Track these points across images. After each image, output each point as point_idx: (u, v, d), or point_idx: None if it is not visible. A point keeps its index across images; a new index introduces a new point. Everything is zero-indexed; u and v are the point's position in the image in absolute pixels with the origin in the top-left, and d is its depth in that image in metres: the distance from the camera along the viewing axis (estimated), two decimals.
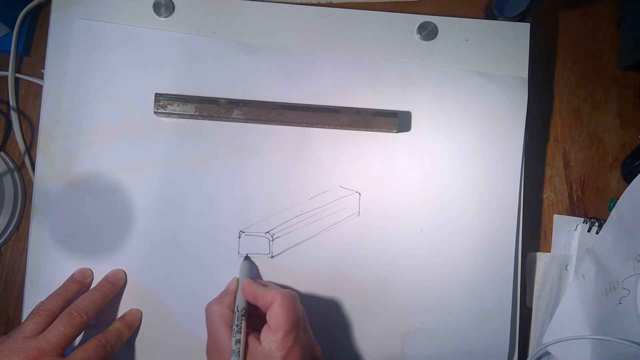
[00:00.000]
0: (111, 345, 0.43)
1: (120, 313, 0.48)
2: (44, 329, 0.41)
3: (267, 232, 0.49)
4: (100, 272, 0.48)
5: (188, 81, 0.50)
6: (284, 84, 0.50)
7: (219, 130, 0.49)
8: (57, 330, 0.41)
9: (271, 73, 0.50)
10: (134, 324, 0.47)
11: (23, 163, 0.52)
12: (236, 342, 0.40)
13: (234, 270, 0.48)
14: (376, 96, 0.51)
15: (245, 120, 0.49)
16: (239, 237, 0.49)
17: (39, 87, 0.52)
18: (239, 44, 0.51)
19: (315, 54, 0.51)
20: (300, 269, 0.49)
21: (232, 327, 0.41)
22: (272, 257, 0.49)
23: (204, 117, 0.48)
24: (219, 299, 0.44)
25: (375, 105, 0.50)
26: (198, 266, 0.48)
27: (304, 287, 0.49)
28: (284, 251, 0.49)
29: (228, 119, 0.48)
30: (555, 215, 0.54)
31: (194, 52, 0.50)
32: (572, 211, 0.54)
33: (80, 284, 0.46)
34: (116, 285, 0.47)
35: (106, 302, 0.46)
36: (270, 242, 0.49)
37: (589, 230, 0.52)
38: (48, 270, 0.48)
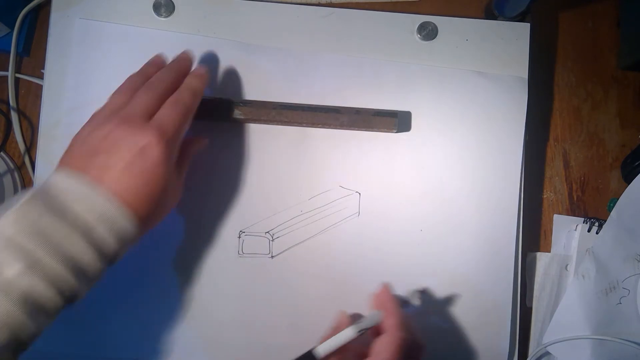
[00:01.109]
0: (189, 96, 0.42)
1: (119, 313, 0.48)
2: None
3: (267, 232, 0.49)
4: None
5: None
6: (284, 83, 0.50)
7: (219, 130, 0.49)
8: (140, 99, 0.40)
9: (271, 73, 0.50)
10: (202, 72, 0.45)
11: (23, 163, 0.52)
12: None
13: (234, 270, 0.48)
14: (376, 96, 0.51)
15: (245, 121, 0.49)
16: (239, 237, 0.49)
17: (39, 87, 0.52)
18: (239, 43, 0.51)
19: (315, 54, 0.51)
20: (300, 268, 0.49)
21: None
22: (272, 257, 0.49)
23: (204, 118, 0.48)
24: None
25: (375, 105, 0.50)
26: (198, 266, 0.48)
27: (304, 286, 0.49)
28: (284, 251, 0.49)
29: (228, 119, 0.48)
30: (555, 215, 0.54)
31: (194, 52, 0.50)
32: (572, 211, 0.54)
33: (157, 67, 0.45)
34: (188, 62, 0.46)
35: (182, 76, 0.44)
36: (270, 242, 0.49)
37: (589, 230, 0.52)
38: None
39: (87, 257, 0.34)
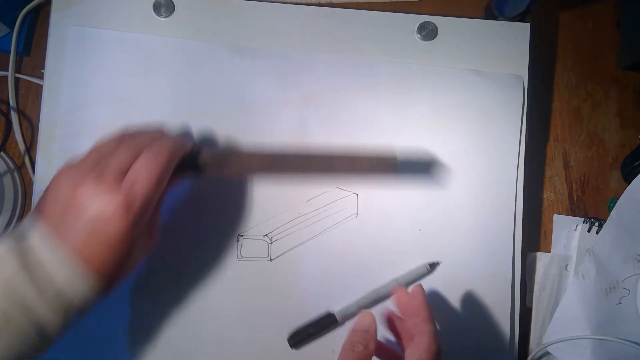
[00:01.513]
0: (166, 153, 0.39)
1: (117, 318, 0.48)
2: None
3: (266, 235, 0.49)
4: None
5: (185, 85, 0.50)
6: (280, 86, 0.50)
7: (218, 132, 0.49)
8: (118, 156, 0.38)
9: (267, 76, 0.50)
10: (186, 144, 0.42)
11: (23, 163, 0.52)
12: None
13: (233, 274, 0.48)
14: (374, 96, 0.51)
15: (231, 179, 0.48)
16: (237, 241, 0.49)
17: (39, 87, 0.52)
18: (235, 47, 0.51)
19: (312, 56, 0.51)
20: (299, 271, 0.49)
21: None
22: (270, 260, 0.49)
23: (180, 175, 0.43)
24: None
25: (374, 105, 0.50)
26: (197, 271, 0.48)
27: (303, 289, 0.49)
28: (282, 254, 0.49)
29: (216, 179, 0.46)
30: (555, 215, 0.54)
31: (188, 56, 0.50)
32: (572, 211, 0.54)
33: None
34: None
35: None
36: (269, 245, 0.49)
37: (589, 230, 0.52)
38: None
39: (53, 320, 0.35)
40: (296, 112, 0.50)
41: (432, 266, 0.49)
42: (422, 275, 0.49)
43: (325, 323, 0.47)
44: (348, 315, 0.47)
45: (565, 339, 0.49)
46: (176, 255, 0.48)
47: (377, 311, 0.47)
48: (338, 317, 0.47)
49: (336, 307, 0.48)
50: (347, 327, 0.48)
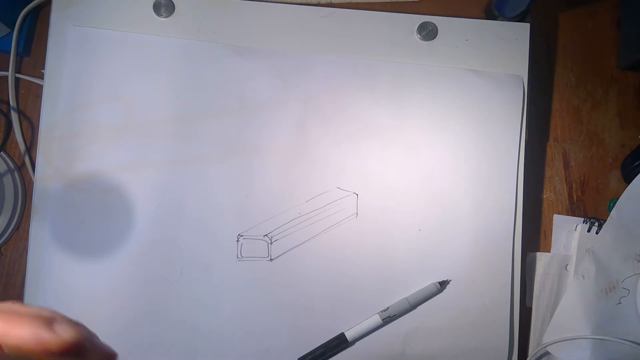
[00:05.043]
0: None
1: (119, 314, 0.48)
2: None
3: (266, 235, 0.49)
4: (99, 272, 0.48)
5: (185, 85, 0.50)
6: (280, 86, 0.50)
7: (217, 132, 0.49)
8: None
9: (267, 76, 0.50)
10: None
11: (23, 163, 0.52)
12: None
13: (233, 274, 0.48)
14: (374, 96, 0.51)
15: None
16: (237, 241, 0.49)
17: (39, 87, 0.52)
18: (234, 47, 0.51)
19: (312, 56, 0.51)
20: (299, 271, 0.49)
21: None
22: (270, 260, 0.49)
23: None
24: None
25: (374, 105, 0.50)
26: (197, 270, 0.48)
27: (303, 288, 0.49)
28: (282, 254, 0.49)
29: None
30: (555, 215, 0.54)
31: (186, 56, 0.50)
32: (572, 211, 0.54)
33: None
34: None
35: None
36: (269, 245, 0.49)
37: (588, 230, 0.52)
38: (48, 270, 0.48)
39: None
40: (296, 111, 0.50)
41: (442, 284, 0.49)
42: (432, 294, 0.49)
43: (335, 343, 0.48)
44: (358, 336, 0.48)
45: (565, 339, 0.49)
46: (176, 255, 0.48)
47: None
48: (348, 337, 0.48)
49: (336, 307, 0.48)
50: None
